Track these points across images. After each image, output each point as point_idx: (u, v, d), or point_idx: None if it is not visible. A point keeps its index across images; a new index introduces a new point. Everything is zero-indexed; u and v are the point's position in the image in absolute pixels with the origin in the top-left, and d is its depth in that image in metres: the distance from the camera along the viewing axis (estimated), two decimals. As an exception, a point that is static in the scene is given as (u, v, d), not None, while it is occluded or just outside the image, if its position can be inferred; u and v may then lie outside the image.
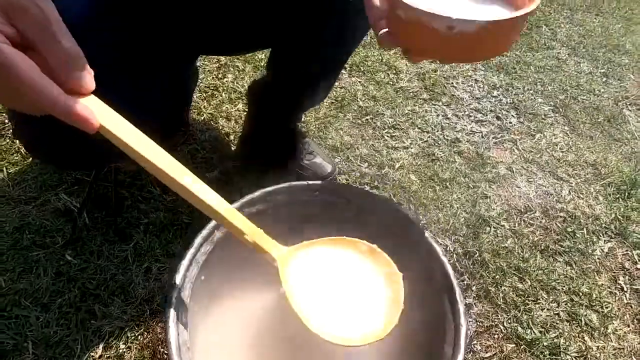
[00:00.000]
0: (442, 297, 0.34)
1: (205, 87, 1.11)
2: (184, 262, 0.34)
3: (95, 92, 0.27)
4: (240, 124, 1.01)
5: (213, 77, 1.14)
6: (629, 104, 1.43)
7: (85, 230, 0.72)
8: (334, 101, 1.13)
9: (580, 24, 2.00)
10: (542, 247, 0.82)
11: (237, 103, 1.08)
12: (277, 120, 0.82)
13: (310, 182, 0.41)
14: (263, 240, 0.33)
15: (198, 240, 0.36)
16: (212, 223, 0.38)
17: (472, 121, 1.18)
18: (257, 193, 0.40)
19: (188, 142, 0.95)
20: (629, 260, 0.84)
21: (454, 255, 0.77)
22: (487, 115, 1.21)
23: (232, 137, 0.98)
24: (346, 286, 0.31)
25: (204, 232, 0.37)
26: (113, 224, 0.74)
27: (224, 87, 1.12)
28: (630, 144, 1.21)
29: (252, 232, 0.33)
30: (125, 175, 0.83)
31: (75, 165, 0.65)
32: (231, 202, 0.39)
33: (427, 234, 0.37)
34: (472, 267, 0.76)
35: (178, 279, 0.33)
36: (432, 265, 0.36)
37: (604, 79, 1.56)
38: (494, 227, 0.84)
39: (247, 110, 0.90)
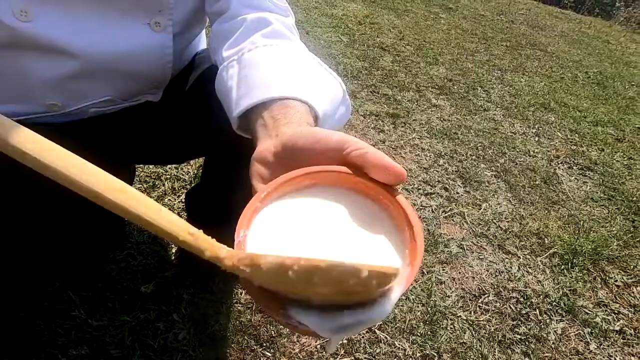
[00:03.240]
0: None
1: (147, 176, 1.05)
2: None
3: None
4: (184, 217, 0.95)
5: (154, 165, 1.08)
6: (560, 163, 1.55)
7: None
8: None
9: (510, 84, 2.21)
10: (500, 338, 0.81)
11: (180, 193, 1.02)
12: (219, 226, 0.77)
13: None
14: (206, 242, 0.23)
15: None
16: None
17: (421, 194, 1.20)
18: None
19: (123, 246, 0.86)
20: (581, 341, 0.85)
21: (414, 361, 0.74)
22: (435, 187, 1.24)
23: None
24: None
25: None
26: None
27: (167, 175, 1.07)
28: (566, 205, 1.29)
29: (191, 233, 0.23)
30: (44, 295, 0.72)
31: None
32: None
33: None
34: (432, 373, 0.72)
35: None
36: None
37: (537, 139, 1.70)
38: (450, 320, 0.83)
39: (187, 214, 0.84)
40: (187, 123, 0.58)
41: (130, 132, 0.58)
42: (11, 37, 0.40)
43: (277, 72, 0.37)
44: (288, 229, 0.27)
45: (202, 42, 0.64)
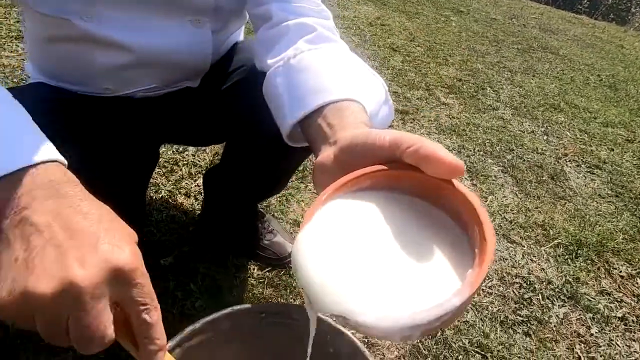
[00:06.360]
0: None
1: (165, 161, 1.11)
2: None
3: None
4: (200, 200, 1.00)
5: (173, 151, 1.14)
6: (568, 161, 1.56)
7: None
8: (297, 171, 1.15)
9: (520, 85, 2.22)
10: (502, 319, 0.84)
11: (197, 178, 1.07)
12: (235, 206, 0.82)
13: (254, 306, 0.40)
14: None
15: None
16: None
17: (428, 185, 1.23)
18: (198, 324, 0.38)
19: (144, 224, 0.92)
20: (583, 325, 0.87)
21: (417, 336, 0.77)
22: (442, 179, 1.27)
23: (191, 216, 0.96)
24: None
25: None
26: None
27: (184, 161, 1.12)
28: (573, 201, 1.31)
29: None
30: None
31: None
32: (172, 335, 0.37)
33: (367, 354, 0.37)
34: (435, 347, 0.75)
35: None
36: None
37: (545, 137, 1.71)
38: (454, 300, 0.85)
39: (204, 193, 0.89)
40: (220, 108, 0.63)
41: (169, 113, 0.63)
42: (79, 34, 0.47)
43: (326, 75, 0.38)
44: (345, 232, 0.25)
45: (241, 34, 0.69)
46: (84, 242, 0.24)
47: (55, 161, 0.28)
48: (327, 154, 0.31)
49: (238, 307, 0.40)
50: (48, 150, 0.28)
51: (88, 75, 0.53)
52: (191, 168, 1.11)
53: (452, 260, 0.24)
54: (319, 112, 0.34)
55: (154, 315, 0.27)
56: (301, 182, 1.12)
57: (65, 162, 0.28)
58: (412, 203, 0.27)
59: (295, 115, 0.36)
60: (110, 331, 0.25)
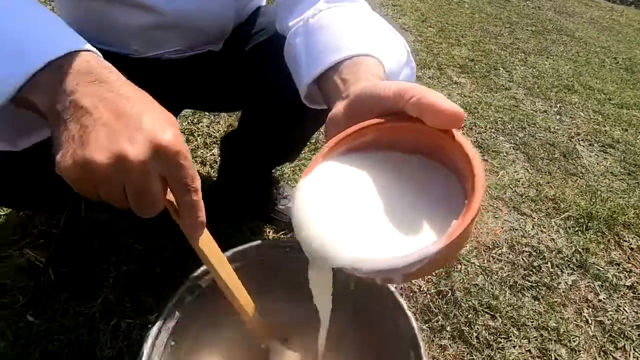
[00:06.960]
0: (409, 353, 0.36)
1: (181, 131, 1.13)
2: (153, 330, 0.34)
3: None
4: (216, 169, 1.02)
5: (188, 122, 1.16)
6: (581, 140, 1.55)
7: (49, 287, 0.69)
8: (309, 143, 1.17)
9: (533, 66, 2.19)
10: (511, 283, 0.85)
11: (212, 148, 1.10)
12: (250, 172, 0.84)
13: (279, 240, 0.42)
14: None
15: (168, 308, 0.36)
16: (183, 288, 0.38)
17: (440, 160, 1.24)
18: (228, 253, 0.41)
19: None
20: (591, 291, 0.88)
21: (428, 295, 0.79)
22: (453, 154, 1.27)
23: (206, 183, 0.98)
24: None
25: (175, 299, 0.37)
26: (81, 278, 0.71)
27: (199, 132, 1.14)
28: (585, 177, 1.31)
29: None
30: (97, 224, 0.81)
31: (32, 204, 0.63)
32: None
33: (392, 288, 0.39)
34: (445, 306, 0.77)
35: (146, 349, 0.33)
36: (398, 320, 0.38)
37: (558, 117, 1.70)
38: (464, 265, 0.87)
39: (220, 158, 0.91)
40: (241, 71, 0.64)
41: (192, 76, 0.65)
42: None
43: (343, 33, 0.37)
44: (338, 187, 0.27)
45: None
46: (128, 123, 0.26)
47: (91, 52, 0.29)
48: (338, 108, 0.31)
49: (265, 240, 0.42)
50: (84, 42, 0.29)
51: (116, 35, 0.55)
52: (206, 138, 1.13)
53: (443, 211, 0.25)
54: (335, 69, 0.34)
55: (194, 196, 0.29)
56: (313, 153, 1.14)
57: (100, 54, 0.30)
58: (410, 158, 0.28)
59: (311, 74, 0.36)
60: (159, 201, 0.28)
